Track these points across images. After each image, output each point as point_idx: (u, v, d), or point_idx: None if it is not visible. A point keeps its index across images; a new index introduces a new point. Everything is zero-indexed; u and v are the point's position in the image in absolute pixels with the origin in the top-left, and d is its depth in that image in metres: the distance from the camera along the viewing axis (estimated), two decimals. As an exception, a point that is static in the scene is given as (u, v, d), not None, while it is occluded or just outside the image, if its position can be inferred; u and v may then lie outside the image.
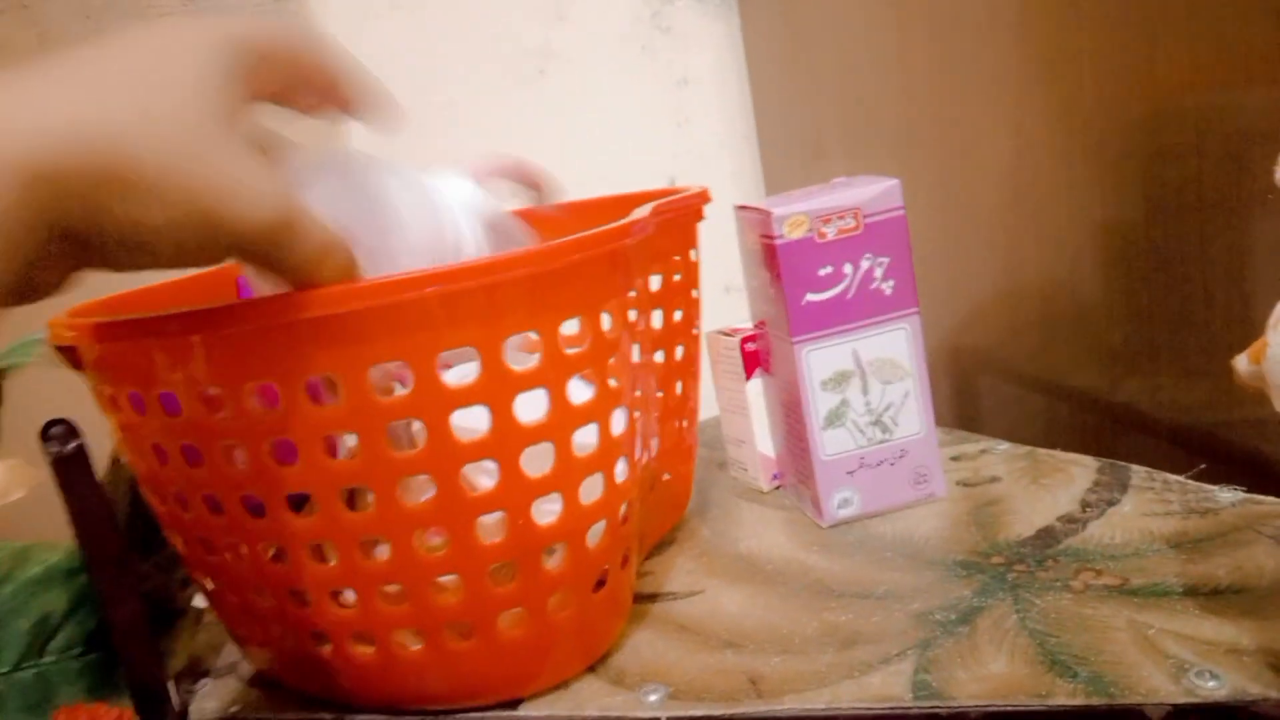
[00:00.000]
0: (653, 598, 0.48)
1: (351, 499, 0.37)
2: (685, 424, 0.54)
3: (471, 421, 0.35)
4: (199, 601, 0.51)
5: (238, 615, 0.43)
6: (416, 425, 0.35)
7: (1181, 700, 0.34)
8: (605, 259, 0.38)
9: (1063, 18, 0.58)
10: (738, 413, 0.60)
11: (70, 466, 0.40)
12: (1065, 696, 0.35)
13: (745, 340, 0.58)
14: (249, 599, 0.41)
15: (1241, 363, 0.34)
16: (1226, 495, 0.47)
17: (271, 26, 0.31)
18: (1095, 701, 0.34)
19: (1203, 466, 0.50)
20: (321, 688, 0.43)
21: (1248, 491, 0.47)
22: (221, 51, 0.28)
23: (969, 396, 0.71)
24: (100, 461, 0.42)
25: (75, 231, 0.26)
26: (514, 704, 0.41)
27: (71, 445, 0.40)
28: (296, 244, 0.30)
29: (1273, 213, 0.48)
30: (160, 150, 0.26)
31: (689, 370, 0.53)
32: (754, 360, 0.58)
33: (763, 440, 0.59)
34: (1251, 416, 0.50)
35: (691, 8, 0.88)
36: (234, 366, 0.35)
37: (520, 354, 0.36)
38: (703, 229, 0.52)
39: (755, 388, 0.58)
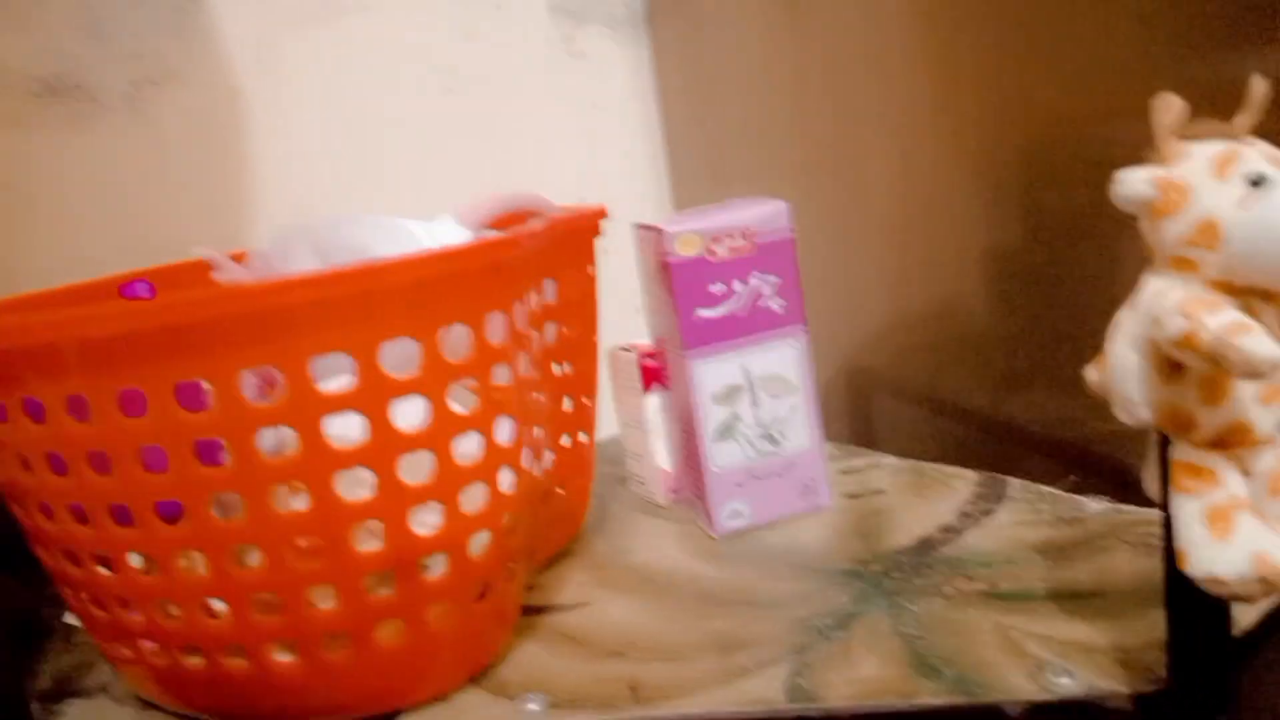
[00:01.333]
0: (541, 610, 0.48)
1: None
2: (583, 438, 0.55)
3: (348, 429, 0.35)
4: (70, 619, 0.49)
5: (107, 630, 0.41)
6: (288, 432, 0.35)
7: (1037, 697, 0.35)
8: (489, 268, 0.38)
9: (946, 55, 0.61)
10: (636, 427, 0.60)
11: (-73, 477, 0.39)
12: (930, 695, 0.36)
13: (644, 355, 0.58)
14: (117, 613, 0.40)
15: (1091, 373, 0.36)
16: (1094, 505, 0.49)
17: None
18: (958, 700, 0.36)
19: (1073, 479, 0.52)
20: (194, 705, 0.42)
21: (1113, 501, 0.49)
22: None
23: (863, 414, 0.73)
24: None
25: None
26: (392, 716, 0.40)
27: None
28: None
29: (1136, 237, 0.51)
30: None
31: (586, 384, 0.54)
32: (652, 375, 0.59)
33: (661, 454, 0.59)
34: (1116, 429, 0.53)
35: (603, 34, 0.90)
36: (102, 371, 0.34)
37: (401, 362, 0.36)
38: (612, 249, 0.53)
39: (654, 403, 0.59)
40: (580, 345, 0.52)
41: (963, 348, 0.65)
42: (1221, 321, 0.27)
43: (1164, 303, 0.29)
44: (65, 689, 0.47)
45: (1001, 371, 0.62)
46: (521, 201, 0.52)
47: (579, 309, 0.51)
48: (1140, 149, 0.50)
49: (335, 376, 0.35)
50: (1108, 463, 0.56)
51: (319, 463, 0.35)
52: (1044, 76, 0.56)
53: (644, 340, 0.60)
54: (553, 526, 0.53)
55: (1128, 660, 0.36)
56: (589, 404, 0.55)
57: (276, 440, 0.36)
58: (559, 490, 0.52)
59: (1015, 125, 0.58)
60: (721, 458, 0.53)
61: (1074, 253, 0.56)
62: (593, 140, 0.90)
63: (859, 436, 0.73)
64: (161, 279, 0.51)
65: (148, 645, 0.40)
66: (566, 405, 0.52)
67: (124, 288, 0.48)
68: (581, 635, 0.45)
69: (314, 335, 0.34)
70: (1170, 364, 0.30)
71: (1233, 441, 0.30)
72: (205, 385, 0.34)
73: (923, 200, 0.65)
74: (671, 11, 0.86)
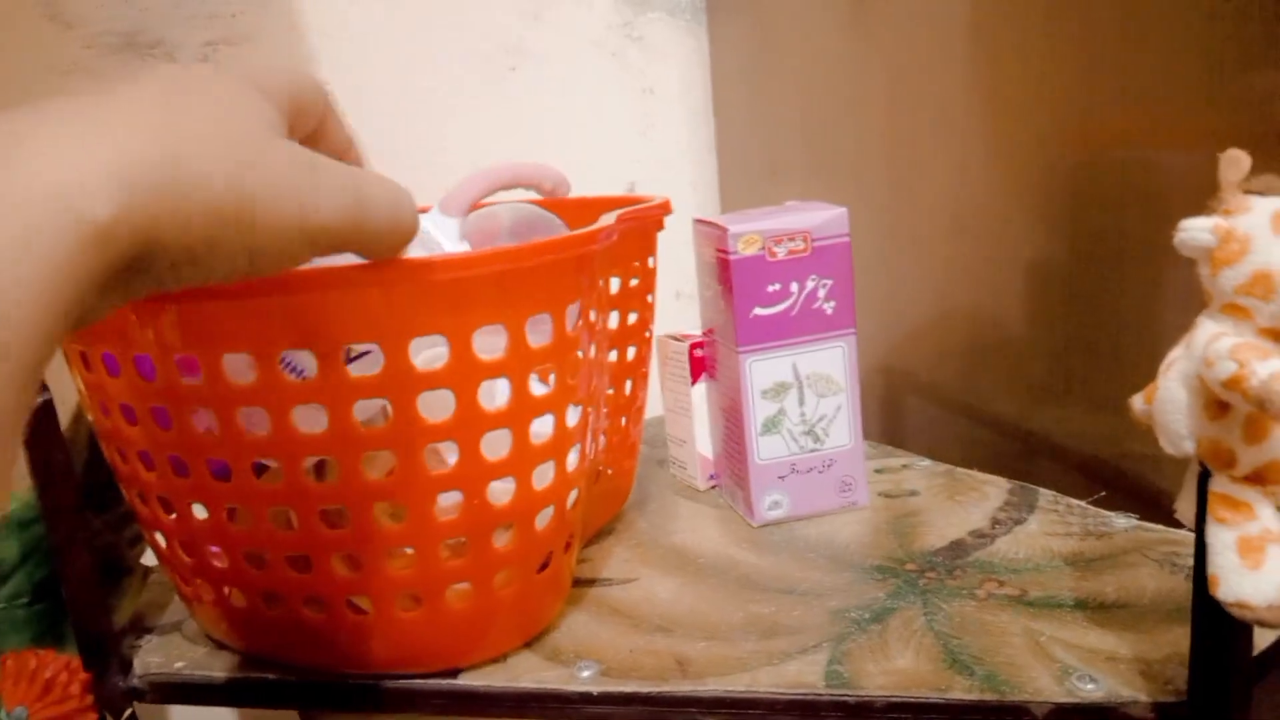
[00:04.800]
0: (590, 582, 0.51)
1: (320, 470, 0.39)
2: (631, 422, 0.57)
3: (439, 405, 0.38)
4: (148, 559, 0.52)
5: (189, 574, 0.44)
6: (380, 404, 0.37)
7: (1063, 700, 0.38)
8: (572, 262, 0.40)
9: (1009, 67, 0.62)
10: (681, 414, 0.63)
11: (36, 419, 0.41)
12: (962, 691, 0.38)
13: (694, 346, 0.61)
14: (204, 559, 0.42)
15: (1137, 402, 0.38)
16: (1121, 521, 0.51)
17: (307, 81, 0.31)
18: (988, 697, 0.38)
19: (1102, 494, 0.54)
20: (265, 648, 0.45)
21: (1140, 519, 0.51)
22: (269, 94, 0.29)
23: (896, 414, 0.75)
24: (62, 416, 0.43)
25: (145, 263, 0.24)
26: (453, 673, 0.43)
27: (39, 398, 0.41)
28: (373, 218, 0.29)
29: (1182, 266, 0.53)
30: (232, 160, 0.25)
31: (639, 371, 0.56)
32: (700, 366, 0.61)
33: (703, 441, 0.62)
34: (1148, 452, 0.55)
35: (663, 20, 0.91)
36: (209, 336, 0.36)
37: (489, 346, 0.38)
38: (659, 236, 0.55)
39: (699, 391, 0.61)
40: (637, 333, 0.54)
41: (1000, 357, 0.67)
42: (1270, 369, 0.29)
43: (1217, 346, 0.31)
44: (141, 625, 0.50)
45: (1035, 383, 0.64)
46: (515, 174, 0.52)
47: (639, 299, 0.54)
48: (1191, 176, 0.52)
49: (429, 355, 0.37)
50: (1134, 482, 0.58)
51: (410, 434, 0.37)
52: (1104, 98, 0.57)
53: (686, 327, 0.63)
54: (600, 504, 0.55)
55: (1149, 671, 0.39)
56: (639, 390, 0.57)
57: (370, 412, 0.38)
58: (607, 470, 0.55)
59: (1071, 144, 0.60)
60: (766, 450, 0.55)
61: (1117, 275, 0.58)
62: (646, 127, 0.92)
63: (890, 435, 0.75)
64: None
65: (228, 590, 0.43)
66: (622, 390, 0.55)
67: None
68: (628, 609, 0.47)
69: (416, 317, 0.36)
70: (1217, 403, 0.32)
71: (1270, 478, 0.32)
72: (310, 356, 0.36)
73: (973, 209, 0.67)
74: (732, 3, 0.88)
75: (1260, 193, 0.32)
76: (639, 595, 0.49)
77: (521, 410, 0.39)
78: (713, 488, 0.62)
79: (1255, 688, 0.39)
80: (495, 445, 0.39)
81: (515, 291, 0.38)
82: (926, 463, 0.62)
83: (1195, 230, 0.32)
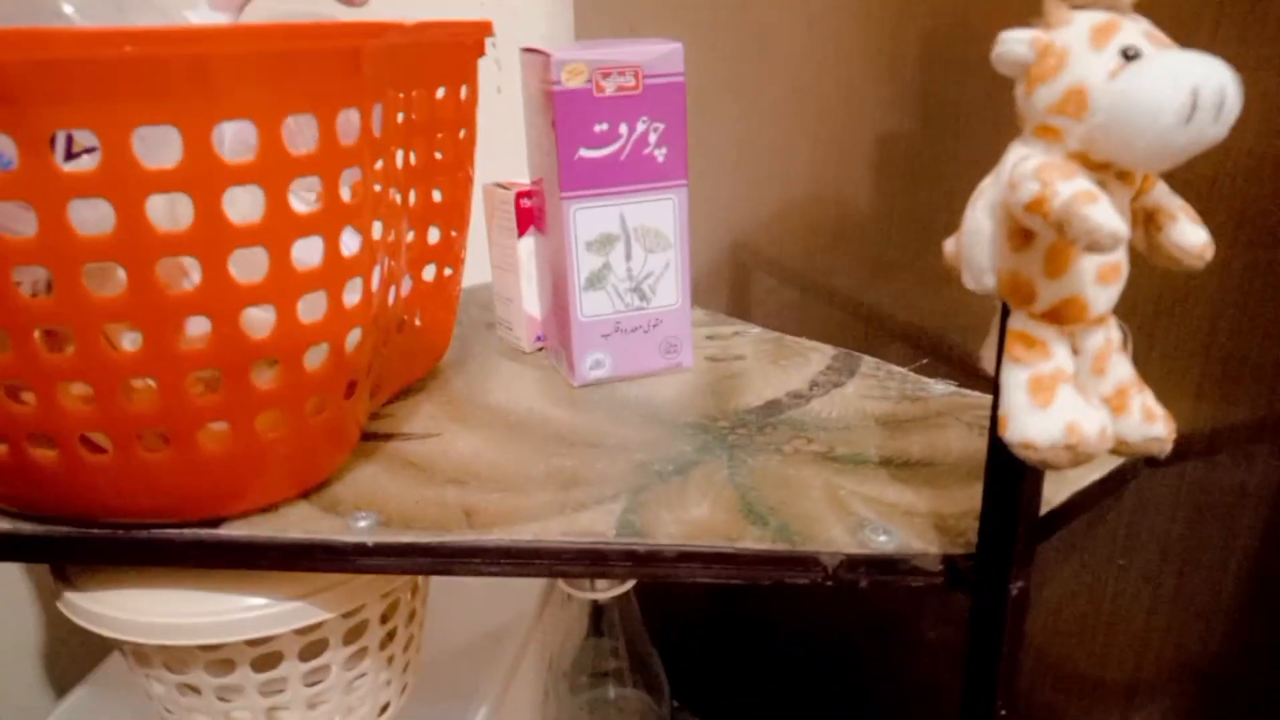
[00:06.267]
0: (387, 437, 0.47)
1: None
2: (448, 272, 0.53)
3: (174, 212, 0.32)
4: None
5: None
6: (104, 207, 0.32)
7: (854, 551, 0.37)
8: (345, 55, 0.35)
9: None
10: (508, 270, 0.59)
11: None
12: (753, 541, 0.37)
13: (521, 195, 0.56)
14: (-91, 390, 0.36)
15: (949, 245, 0.36)
16: (939, 387, 0.51)
17: None
18: (779, 547, 0.37)
19: (925, 362, 0.54)
20: (3, 499, 0.40)
21: (959, 387, 0.51)
22: None
23: (739, 287, 0.73)
24: None
25: None
26: (215, 523, 0.39)
27: None
28: None
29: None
30: None
31: (456, 215, 0.51)
32: (528, 217, 0.57)
33: (530, 300, 0.58)
34: (974, 324, 0.54)
35: None
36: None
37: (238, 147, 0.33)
38: (508, 85, 0.50)
39: (527, 246, 0.57)
40: (451, 173, 0.50)
41: (840, 231, 0.65)
42: (1072, 188, 0.27)
43: (1022, 167, 0.29)
44: None
45: (874, 259, 0.63)
46: None
47: (451, 132, 0.49)
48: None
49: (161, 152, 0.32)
50: (962, 354, 0.58)
51: (140, 244, 0.32)
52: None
53: (524, 180, 0.58)
54: (407, 358, 0.51)
55: (944, 525, 0.38)
56: (457, 237, 0.52)
57: (95, 218, 0.33)
58: (415, 321, 0.51)
59: (922, 7, 0.57)
60: (589, 307, 0.52)
61: (957, 145, 0.56)
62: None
63: (732, 308, 0.73)
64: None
65: (-54, 428, 0.37)
66: (433, 237, 0.50)
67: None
68: (424, 463, 0.44)
69: (140, 101, 0.30)
70: (1020, 233, 0.30)
71: (1068, 316, 0.31)
72: (8, 142, 0.30)
73: (820, 76, 0.64)
74: None
75: (1084, 6, 0.30)
76: (437, 449, 0.45)
77: (278, 226, 0.34)
78: (539, 349, 0.59)
79: (1045, 543, 0.39)
80: (247, 266, 0.34)
81: (272, 81, 0.33)
82: (758, 330, 0.60)
83: (1013, 43, 0.30)
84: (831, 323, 0.67)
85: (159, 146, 0.32)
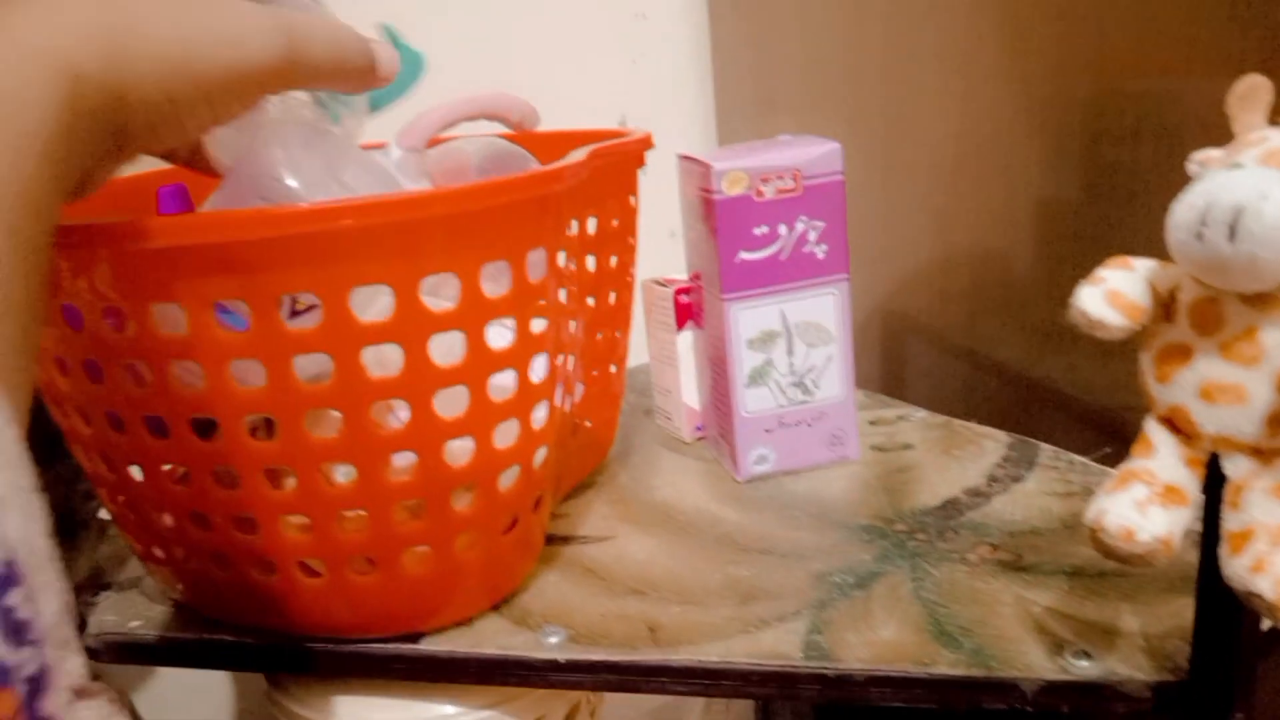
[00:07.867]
0: (565, 540, 0.48)
1: (270, 428, 0.36)
2: (613, 370, 0.54)
3: (387, 360, 0.35)
4: (104, 514, 0.50)
5: (139, 533, 0.42)
6: (324, 359, 0.34)
7: (1055, 677, 0.35)
8: (533, 203, 0.37)
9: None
10: (667, 363, 0.60)
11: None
12: (947, 666, 0.36)
13: (679, 291, 0.57)
14: (150, 518, 0.40)
15: (1091, 299, 0.35)
16: (1125, 479, 0.49)
17: None
18: (975, 673, 0.36)
19: (1108, 450, 0.51)
20: (223, 609, 0.43)
21: (1145, 477, 0.48)
22: None
23: (894, 361, 0.72)
24: None
25: (121, 121, 0.26)
26: (415, 638, 0.41)
27: None
28: (309, 52, 0.31)
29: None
30: (170, 18, 0.27)
31: (621, 317, 0.53)
32: (686, 312, 0.58)
33: (689, 391, 0.59)
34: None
35: (656, -61, 0.86)
36: (139, 285, 0.33)
37: (439, 297, 0.35)
38: (651, 172, 0.51)
39: (686, 339, 0.58)
40: (618, 277, 0.51)
41: (1003, 301, 0.63)
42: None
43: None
44: (99, 581, 0.48)
45: (1041, 330, 0.61)
46: (478, 105, 0.50)
47: (619, 241, 0.50)
48: (1213, 108, 0.48)
49: (374, 307, 0.34)
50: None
51: (355, 391, 0.35)
52: (1117, 27, 0.53)
53: (678, 273, 0.59)
54: (579, 457, 0.53)
55: (1148, 647, 0.36)
56: (622, 337, 0.54)
57: (314, 367, 0.35)
58: (587, 423, 0.52)
59: (1083, 76, 0.55)
60: (752, 403, 0.52)
61: (1128, 212, 0.54)
62: (635, 55, 0.87)
63: (888, 382, 0.72)
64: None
65: (178, 550, 0.41)
66: (600, 337, 0.52)
67: (163, 192, 0.47)
68: (603, 570, 0.45)
69: (356, 264, 0.33)
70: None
71: (1179, 425, 0.31)
72: (243, 306, 0.33)
73: (977, 145, 0.63)
74: (732, -77, 0.82)
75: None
76: (614, 554, 0.47)
77: (478, 365, 0.36)
78: (700, 439, 0.60)
79: (1264, 668, 0.36)
80: (450, 402, 0.36)
81: (468, 236, 0.35)
82: (923, 414, 0.59)
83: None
84: (995, 398, 0.65)
85: (370, 300, 0.34)
